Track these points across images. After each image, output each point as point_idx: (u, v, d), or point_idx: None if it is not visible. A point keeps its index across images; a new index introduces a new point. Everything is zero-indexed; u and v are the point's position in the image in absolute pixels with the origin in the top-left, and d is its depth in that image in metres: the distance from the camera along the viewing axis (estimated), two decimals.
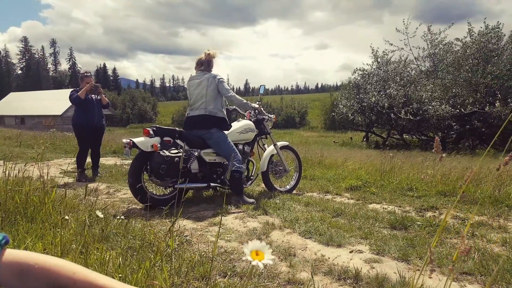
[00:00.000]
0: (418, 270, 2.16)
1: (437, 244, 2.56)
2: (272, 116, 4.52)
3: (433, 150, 0.86)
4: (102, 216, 1.69)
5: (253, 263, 0.62)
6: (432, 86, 17.35)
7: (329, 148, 13.83)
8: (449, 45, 17.96)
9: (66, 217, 1.64)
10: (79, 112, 5.12)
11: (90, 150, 5.23)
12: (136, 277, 1.48)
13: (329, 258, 2.34)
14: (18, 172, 2.72)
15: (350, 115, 20.98)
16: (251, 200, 3.76)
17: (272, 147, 4.40)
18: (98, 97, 5.21)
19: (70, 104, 5.27)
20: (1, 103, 46.46)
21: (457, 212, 3.55)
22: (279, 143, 4.48)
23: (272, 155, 4.39)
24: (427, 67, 19.82)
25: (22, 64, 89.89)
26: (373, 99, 18.49)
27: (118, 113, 59.58)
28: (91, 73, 5.43)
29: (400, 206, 3.79)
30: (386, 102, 17.87)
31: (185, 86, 4.63)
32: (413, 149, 14.87)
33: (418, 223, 3.05)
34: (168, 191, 3.81)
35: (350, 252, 2.46)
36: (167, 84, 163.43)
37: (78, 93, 4.95)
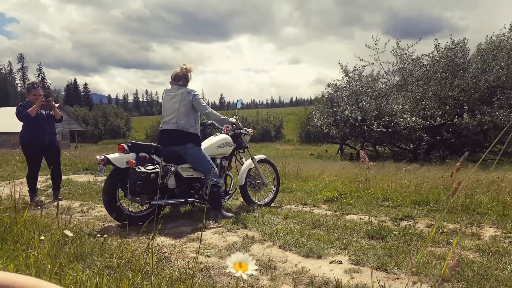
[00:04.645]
0: (397, 278, 2.21)
1: (413, 252, 2.63)
2: (249, 130, 4.55)
3: (360, 161, 0.90)
4: (71, 235, 1.63)
5: (237, 274, 0.61)
6: (403, 99, 18.00)
7: (305, 161, 14.00)
8: (417, 60, 18.78)
9: (42, 237, 1.57)
10: (27, 130, 4.54)
11: (50, 170, 4.77)
12: None
13: (309, 269, 2.35)
14: None
15: (324, 128, 21.37)
16: (230, 214, 3.74)
17: (249, 161, 4.41)
18: (51, 112, 4.69)
19: None
20: None
21: (432, 220, 3.66)
22: (257, 157, 4.50)
23: (250, 169, 4.39)
24: (397, 81, 20.58)
25: None
26: (346, 112, 18.95)
27: (89, 129, 58.03)
28: (39, 83, 4.85)
29: (376, 216, 3.88)
30: (359, 115, 18.36)
31: (159, 100, 4.59)
32: (386, 160, 15.28)
33: (395, 232, 3.12)
34: (145, 208, 3.72)
35: (330, 263, 2.48)
36: (141, 99, 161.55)
37: (28, 110, 4.37)
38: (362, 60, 19.87)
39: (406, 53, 18.99)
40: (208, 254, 2.64)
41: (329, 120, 20.96)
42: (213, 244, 2.88)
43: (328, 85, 21.94)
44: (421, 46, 19.44)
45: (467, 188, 4.58)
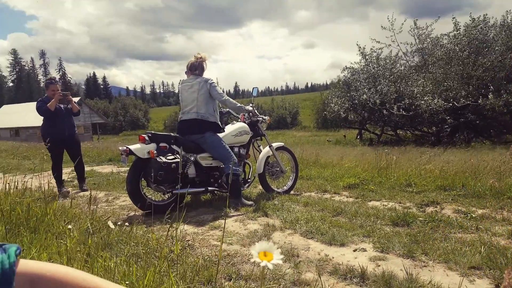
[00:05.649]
0: (425, 266, 2.16)
1: (442, 239, 2.56)
2: (266, 117, 4.52)
3: None
4: (113, 226, 1.67)
5: (262, 264, 0.60)
6: (423, 80, 17.46)
7: (323, 147, 13.87)
8: (436, 39, 18.11)
9: (69, 226, 1.62)
10: (47, 123, 4.75)
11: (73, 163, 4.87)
12: (143, 284, 1.46)
13: (333, 257, 2.34)
14: (18, 184, 2.69)
15: (342, 113, 21.06)
16: (250, 203, 3.75)
17: (267, 148, 4.39)
18: (68, 106, 4.87)
19: None
20: None
21: (459, 206, 3.56)
22: (274, 144, 4.47)
23: (268, 157, 4.38)
24: (417, 62, 19.95)
25: (13, 76, 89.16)
26: (364, 96, 18.56)
27: (110, 121, 59.25)
28: (56, 79, 5.00)
29: (400, 203, 3.80)
30: (377, 99, 17.96)
31: (175, 91, 4.60)
32: (407, 144, 14.95)
33: (420, 218, 3.04)
34: (167, 197, 3.78)
35: (354, 250, 2.45)
36: (157, 90, 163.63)
37: (48, 105, 4.57)
38: (379, 42, 19.35)
39: (424, 32, 18.33)
40: (230, 242, 2.66)
41: (347, 105, 20.61)
42: (235, 232, 2.90)
43: (345, 69, 21.56)
44: (440, 25, 18.64)
45: (495, 172, 4.41)
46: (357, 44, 20.22)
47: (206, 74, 3.94)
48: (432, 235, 2.64)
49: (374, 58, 19.91)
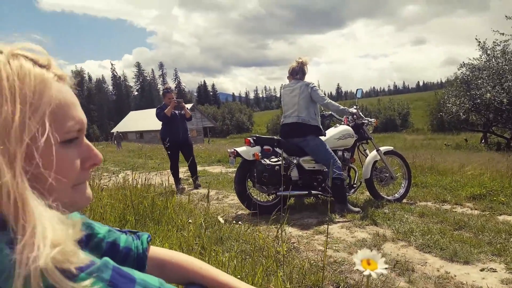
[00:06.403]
0: None
1: None
2: (372, 120, 4.26)
3: None
4: (223, 221, 1.80)
5: (365, 273, 0.57)
6: None
7: (441, 152, 12.50)
8: None
9: (190, 221, 1.78)
10: (165, 128, 5.35)
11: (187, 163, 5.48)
12: (252, 280, 1.52)
13: (455, 275, 2.08)
14: (144, 180, 3.10)
15: (461, 114, 18.67)
16: (357, 209, 3.59)
17: (374, 152, 4.14)
18: (182, 112, 5.40)
19: None
20: (124, 121, 54.34)
21: None
22: (382, 148, 4.19)
23: (376, 161, 4.12)
24: None
25: (137, 86, 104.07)
26: (488, 95, 16.11)
27: (219, 125, 64.06)
28: (171, 88, 5.60)
29: None
30: (504, 98, 15.41)
31: (277, 95, 4.70)
32: None
33: None
34: (271, 198, 3.88)
35: (481, 270, 2.14)
36: (260, 95, 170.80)
37: (165, 111, 5.18)
38: (503, 34, 16.55)
39: None
40: (336, 248, 2.59)
41: (467, 105, 18.22)
42: (341, 239, 2.80)
43: (462, 65, 19.09)
44: None
45: None
46: (476, 39, 17.73)
47: (307, 78, 3.93)
48: None
49: (498, 52, 17.16)
